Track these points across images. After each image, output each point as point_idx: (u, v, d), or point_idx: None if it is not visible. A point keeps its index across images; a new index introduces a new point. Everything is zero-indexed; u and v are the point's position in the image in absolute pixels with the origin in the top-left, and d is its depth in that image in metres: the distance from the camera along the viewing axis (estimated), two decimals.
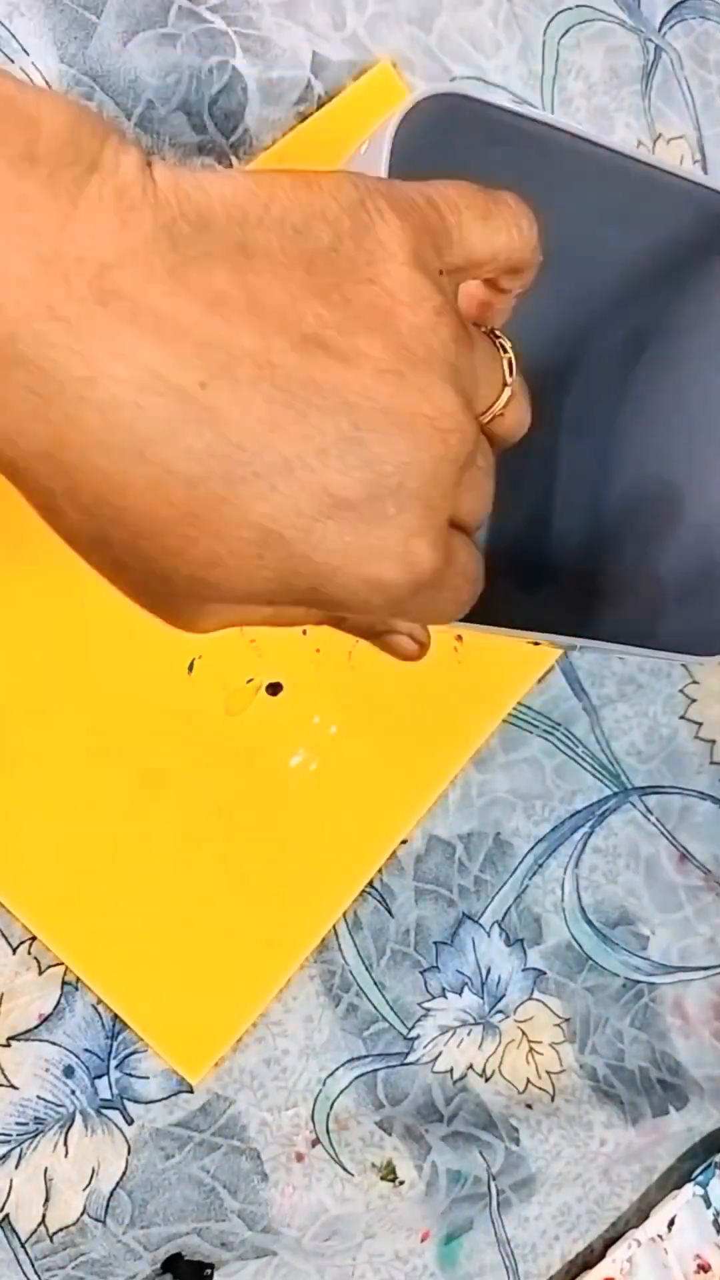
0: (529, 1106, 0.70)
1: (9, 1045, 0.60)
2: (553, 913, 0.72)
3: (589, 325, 0.63)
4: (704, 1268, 0.70)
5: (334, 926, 0.66)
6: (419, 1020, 0.68)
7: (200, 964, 0.63)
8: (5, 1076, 0.60)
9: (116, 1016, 0.61)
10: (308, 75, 0.66)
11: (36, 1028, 0.60)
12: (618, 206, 0.53)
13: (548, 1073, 0.71)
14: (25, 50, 0.59)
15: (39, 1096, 0.60)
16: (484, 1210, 0.68)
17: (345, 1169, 0.66)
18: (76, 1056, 0.61)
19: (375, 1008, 0.67)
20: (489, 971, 0.70)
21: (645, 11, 0.77)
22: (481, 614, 0.40)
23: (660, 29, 0.77)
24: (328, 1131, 0.65)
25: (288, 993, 0.65)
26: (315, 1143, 0.65)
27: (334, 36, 0.66)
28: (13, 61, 0.59)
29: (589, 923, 0.72)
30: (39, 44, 0.59)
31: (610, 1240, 0.71)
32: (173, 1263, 0.62)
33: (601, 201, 0.52)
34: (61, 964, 0.60)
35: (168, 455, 0.28)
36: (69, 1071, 0.61)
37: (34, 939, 0.60)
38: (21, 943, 0.60)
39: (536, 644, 0.52)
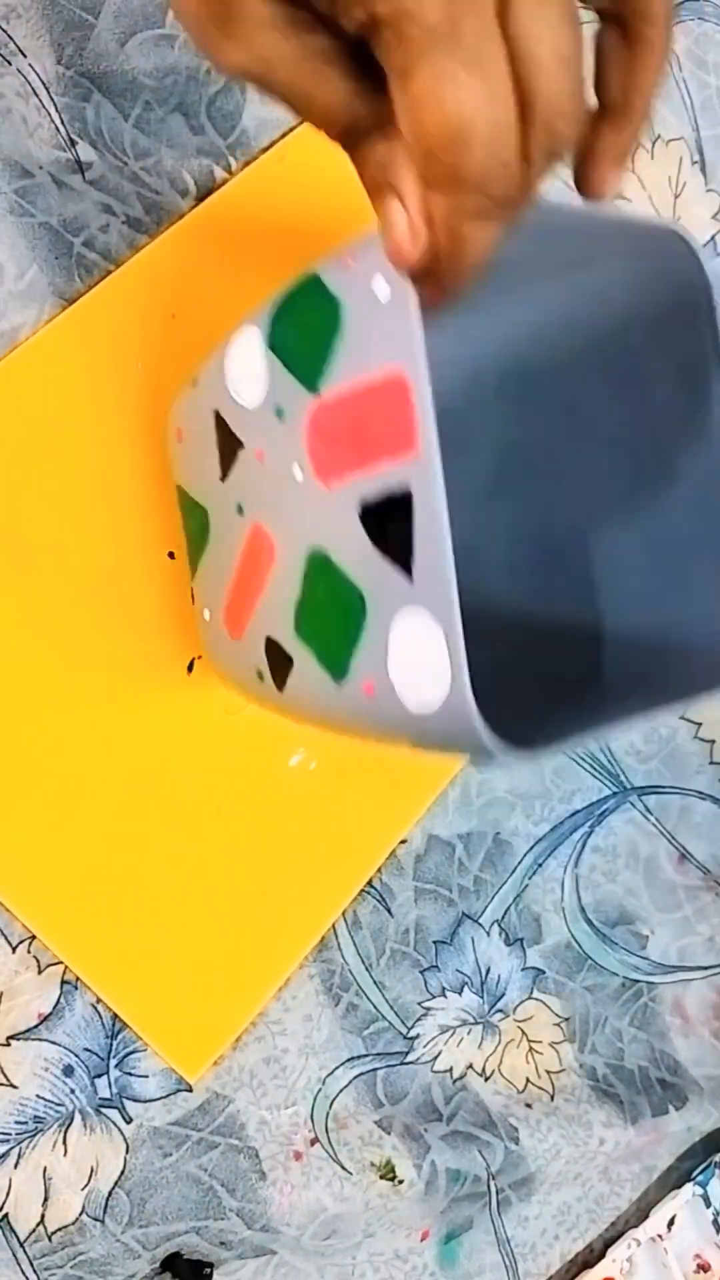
0: (528, 1106, 0.70)
1: (9, 1044, 0.60)
2: (552, 912, 0.72)
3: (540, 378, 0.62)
4: (704, 1267, 0.70)
5: (334, 926, 0.66)
6: (419, 1020, 0.68)
7: (200, 963, 0.63)
8: (5, 1075, 0.60)
9: (116, 1015, 0.61)
10: None
11: (36, 1027, 0.60)
12: (569, 255, 0.52)
13: (547, 1072, 0.71)
14: (22, 52, 0.59)
15: (38, 1095, 0.60)
16: (484, 1209, 0.68)
17: (344, 1168, 0.66)
18: (76, 1056, 0.61)
19: (375, 1007, 0.67)
20: (488, 971, 0.70)
21: None
22: None
23: None
24: (326, 1130, 0.65)
25: (287, 992, 0.65)
26: (314, 1141, 0.65)
27: None
28: (9, 64, 0.59)
29: (588, 922, 0.72)
30: (36, 45, 0.59)
31: (610, 1240, 0.71)
32: (172, 1262, 0.62)
33: (552, 248, 0.51)
34: (61, 963, 0.61)
35: None
36: (68, 1070, 0.61)
37: (33, 938, 0.60)
38: (21, 941, 0.60)
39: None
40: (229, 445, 0.52)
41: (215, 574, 0.55)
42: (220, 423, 0.53)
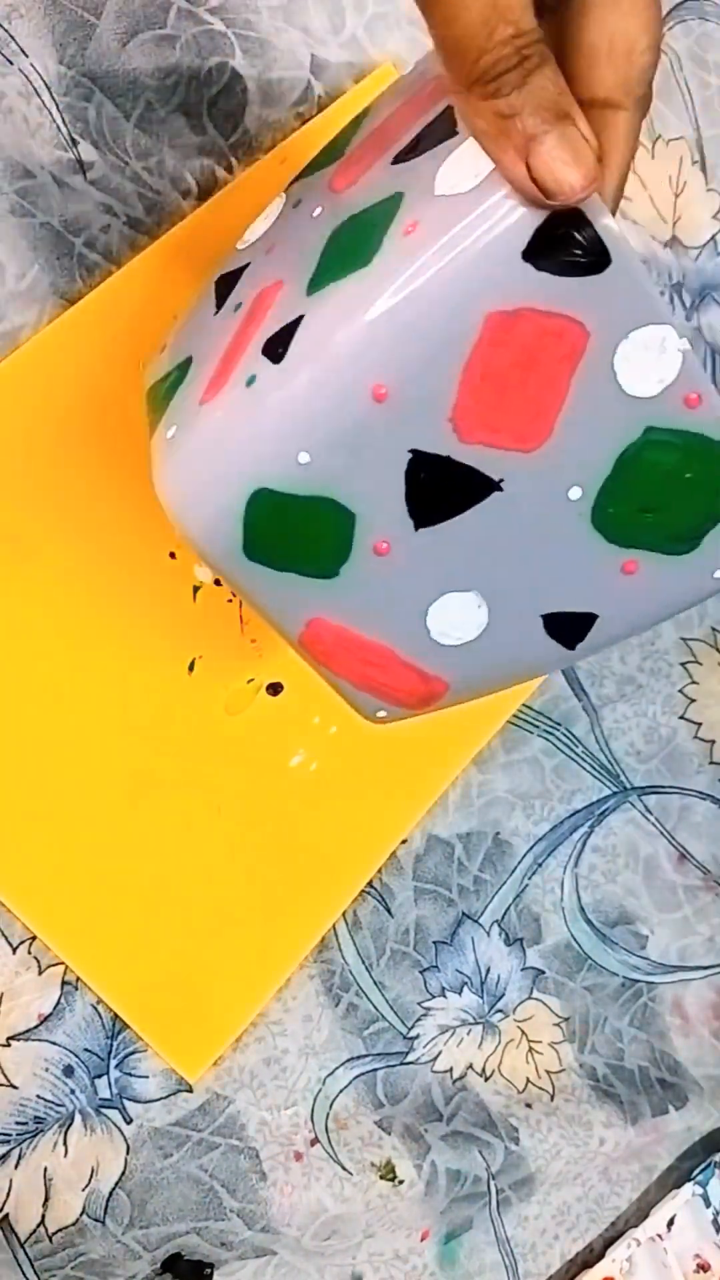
0: (528, 1106, 0.70)
1: (9, 1045, 0.60)
2: (552, 912, 0.72)
3: None
4: (703, 1267, 0.70)
5: (334, 926, 0.66)
6: (419, 1020, 0.68)
7: (200, 963, 0.63)
8: (5, 1076, 0.60)
9: (116, 1016, 0.61)
10: (307, 76, 0.66)
11: (36, 1027, 0.60)
12: None
13: (547, 1072, 0.71)
14: (24, 52, 0.59)
15: (39, 1096, 0.60)
16: (484, 1209, 0.69)
17: (344, 1168, 0.66)
18: (76, 1056, 0.61)
19: (375, 1007, 0.67)
20: (488, 971, 0.70)
21: None
22: None
23: None
24: (326, 1131, 0.66)
25: (287, 992, 0.65)
26: (314, 1142, 0.65)
27: (331, 41, 0.66)
28: (11, 63, 0.59)
29: (588, 922, 0.72)
30: (38, 45, 0.59)
31: (610, 1239, 0.71)
32: (172, 1262, 0.62)
33: None
34: (61, 963, 0.61)
35: None
36: (69, 1071, 0.61)
37: (34, 938, 0.60)
38: (22, 942, 0.60)
39: None
40: (227, 284, 0.51)
41: (196, 382, 0.51)
42: (222, 281, 0.52)
